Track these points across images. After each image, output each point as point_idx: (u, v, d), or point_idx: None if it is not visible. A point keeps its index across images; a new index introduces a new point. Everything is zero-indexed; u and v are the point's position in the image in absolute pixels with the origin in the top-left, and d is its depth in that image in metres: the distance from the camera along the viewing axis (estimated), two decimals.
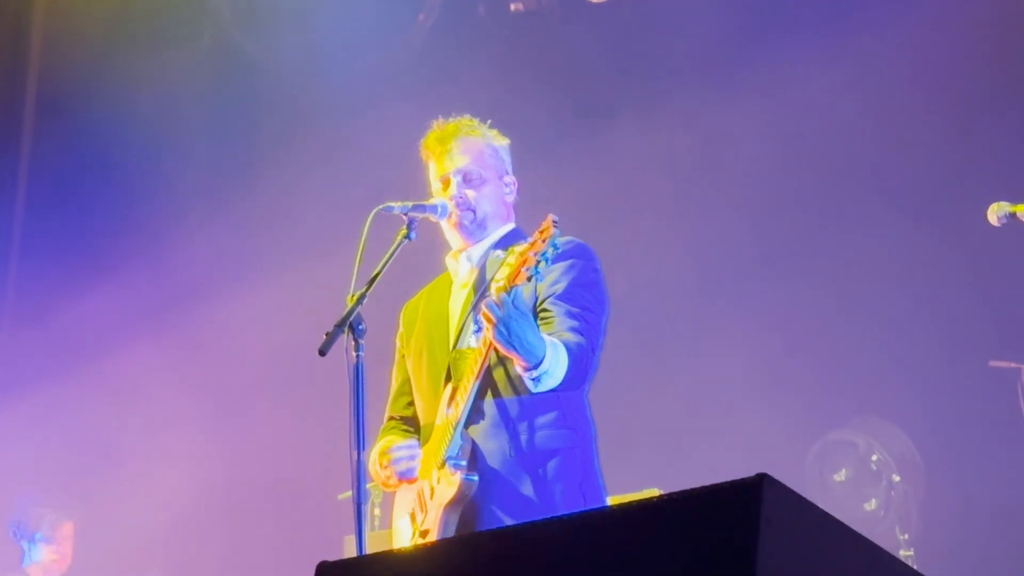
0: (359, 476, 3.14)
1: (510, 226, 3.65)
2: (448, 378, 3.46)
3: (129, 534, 6.92)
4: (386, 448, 3.51)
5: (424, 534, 3.36)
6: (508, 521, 3.25)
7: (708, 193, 6.99)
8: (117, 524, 6.85)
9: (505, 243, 3.50)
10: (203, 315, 7.16)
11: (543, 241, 3.01)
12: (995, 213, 4.22)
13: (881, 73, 6.70)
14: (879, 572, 2.06)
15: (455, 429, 3.32)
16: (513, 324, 3.06)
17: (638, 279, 6.41)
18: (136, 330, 7.18)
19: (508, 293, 3.07)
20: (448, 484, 3.31)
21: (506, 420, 3.34)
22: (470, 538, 2.86)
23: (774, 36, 6.91)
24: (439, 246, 3.74)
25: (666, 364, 6.78)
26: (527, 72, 7.17)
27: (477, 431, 3.35)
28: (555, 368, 3.18)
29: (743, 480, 1.86)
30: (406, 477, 3.46)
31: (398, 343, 3.77)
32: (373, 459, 3.54)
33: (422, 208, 3.53)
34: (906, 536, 6.04)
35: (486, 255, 3.57)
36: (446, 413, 3.40)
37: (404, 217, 3.48)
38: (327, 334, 3.21)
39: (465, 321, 3.48)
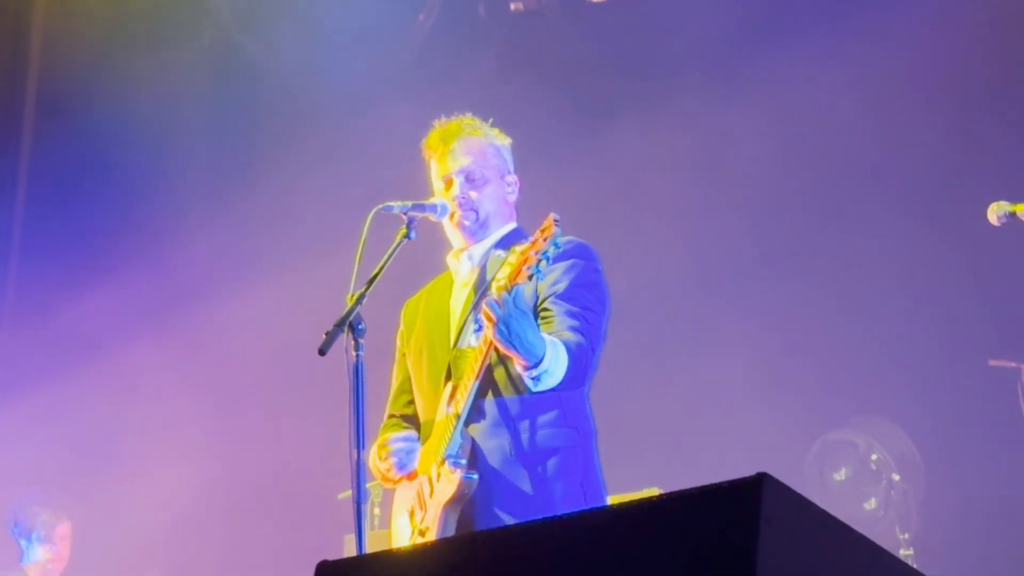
0: (359, 475, 3.14)
1: (512, 225, 3.65)
2: (448, 376, 3.46)
3: (129, 534, 6.92)
4: (384, 441, 3.52)
5: (423, 532, 3.36)
6: (508, 520, 3.25)
7: (708, 193, 6.99)
8: (117, 524, 6.85)
9: (506, 243, 3.50)
10: (203, 315, 7.16)
11: (544, 240, 3.02)
12: (995, 212, 4.22)
13: (881, 73, 6.70)
14: (879, 571, 2.06)
15: (455, 427, 3.32)
16: (513, 323, 3.07)
17: (638, 279, 6.41)
18: (136, 330, 7.18)
19: (509, 292, 3.07)
20: (448, 482, 3.31)
21: (506, 419, 3.34)
22: (470, 537, 2.86)
23: (774, 36, 6.91)
24: (439, 245, 3.74)
25: (666, 364, 6.78)
26: (527, 72, 7.17)
27: (477, 430, 3.36)
28: (555, 367, 3.18)
29: (743, 479, 1.86)
30: (405, 470, 3.46)
31: (398, 341, 3.77)
32: (372, 453, 3.55)
33: (422, 207, 3.54)
34: (906, 535, 6.04)
35: (487, 254, 3.57)
36: (446, 411, 3.40)
37: (404, 216, 3.48)
38: (327, 333, 3.21)
39: (466, 320, 3.48)
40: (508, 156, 3.72)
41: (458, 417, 3.32)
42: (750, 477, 1.85)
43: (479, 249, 3.59)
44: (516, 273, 3.06)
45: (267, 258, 7.39)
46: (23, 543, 6.06)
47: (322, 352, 3.21)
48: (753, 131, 6.82)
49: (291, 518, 6.99)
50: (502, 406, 3.35)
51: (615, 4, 7.33)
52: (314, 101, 7.59)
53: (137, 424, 7.20)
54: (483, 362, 3.28)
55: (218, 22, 7.82)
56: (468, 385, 3.31)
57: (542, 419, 3.34)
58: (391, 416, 3.71)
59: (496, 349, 3.19)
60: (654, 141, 6.85)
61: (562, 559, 2.03)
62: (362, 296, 3.31)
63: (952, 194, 6.40)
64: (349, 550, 5.05)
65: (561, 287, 3.39)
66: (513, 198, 3.70)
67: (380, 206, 3.47)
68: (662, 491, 4.26)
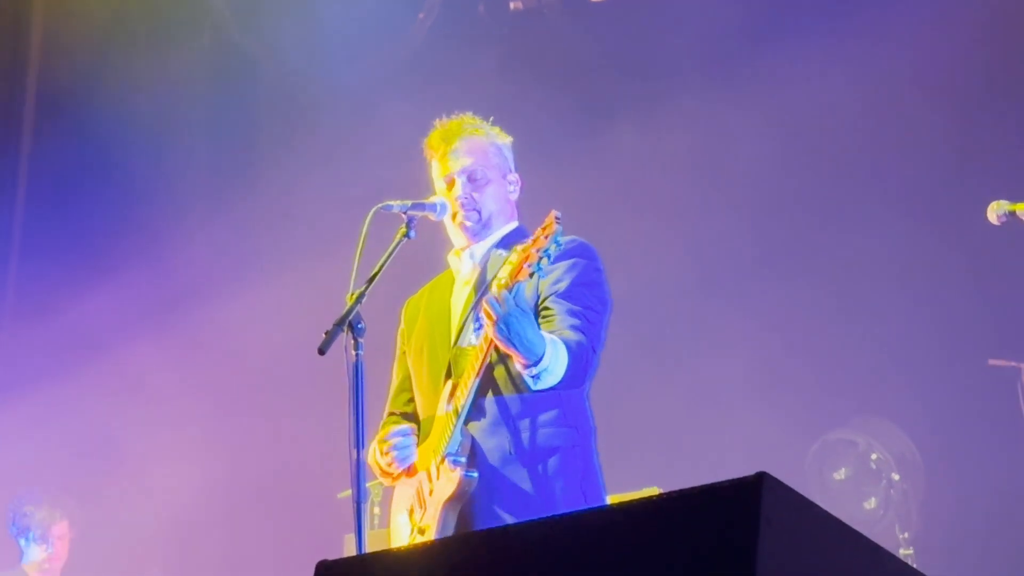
0: (359, 475, 3.14)
1: (513, 224, 3.65)
2: (449, 375, 3.46)
3: (129, 534, 6.92)
4: (382, 436, 3.53)
5: (423, 530, 3.37)
6: (508, 518, 3.26)
7: (708, 192, 6.99)
8: (117, 524, 6.85)
9: (508, 242, 3.51)
10: (203, 315, 7.16)
11: (546, 237, 3.03)
12: (995, 212, 4.22)
13: (881, 73, 6.69)
14: (879, 571, 2.06)
15: (455, 425, 3.33)
16: (513, 321, 3.08)
17: (638, 279, 6.40)
18: (136, 330, 7.18)
19: (510, 290, 3.08)
20: (448, 481, 3.32)
21: (506, 418, 3.34)
22: (470, 537, 2.86)
23: (774, 36, 6.90)
24: (439, 245, 3.74)
25: (666, 363, 6.78)
26: (527, 71, 7.17)
27: (477, 428, 3.36)
28: (554, 365, 3.19)
29: (743, 479, 1.86)
30: (405, 463, 3.46)
31: (399, 339, 3.78)
32: (372, 450, 3.55)
33: (421, 207, 3.54)
34: (906, 535, 6.04)
35: (488, 253, 3.58)
36: (446, 409, 3.40)
37: (403, 216, 3.49)
38: (326, 333, 3.21)
39: (466, 318, 3.49)
40: (509, 155, 3.73)
41: (458, 415, 3.33)
42: (750, 477, 1.85)
43: (481, 248, 3.60)
44: (517, 271, 3.07)
45: (267, 258, 7.39)
46: (22, 542, 6.07)
47: (322, 351, 3.21)
48: (753, 131, 6.82)
49: (291, 518, 6.98)
50: (502, 404, 3.35)
51: (615, 3, 7.33)
52: (314, 101, 7.59)
53: (137, 424, 7.20)
54: (483, 360, 3.28)
55: (218, 22, 7.82)
56: (468, 383, 3.31)
57: (542, 418, 3.35)
58: (391, 414, 3.71)
59: (496, 347, 3.20)
60: (654, 141, 6.85)
61: (562, 559, 2.03)
62: (361, 295, 3.31)
63: (952, 194, 6.40)
64: (349, 549, 5.05)
65: (562, 286, 3.40)
66: (515, 197, 3.71)
67: (380, 205, 3.48)
68: (662, 490, 4.26)
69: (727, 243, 6.96)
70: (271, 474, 7.01)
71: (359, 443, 3.16)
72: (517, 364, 3.20)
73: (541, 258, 3.03)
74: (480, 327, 3.34)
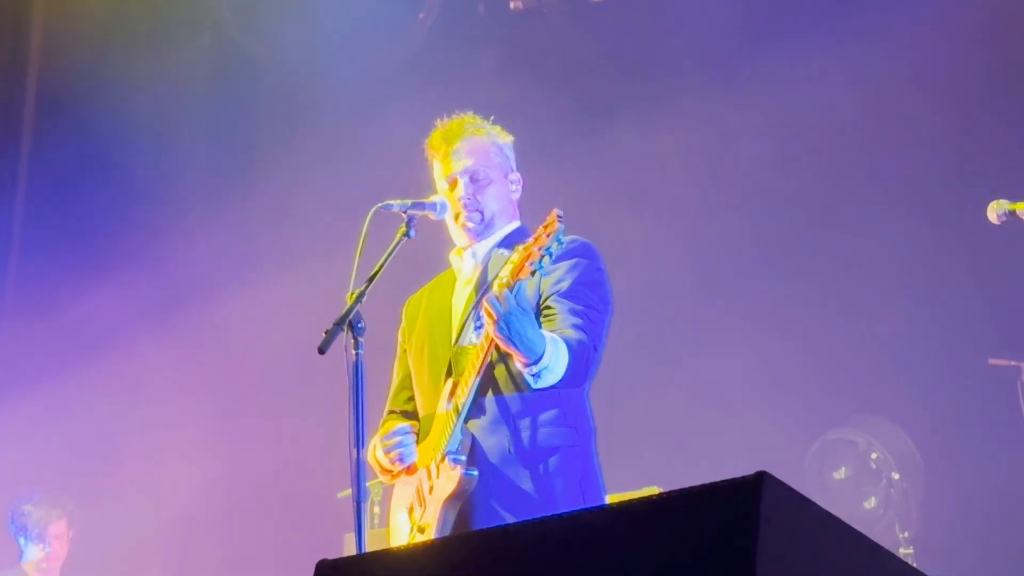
0: (359, 474, 3.14)
1: (515, 224, 3.66)
2: (449, 373, 3.47)
3: (129, 534, 6.92)
4: (382, 435, 3.54)
5: (422, 529, 3.37)
6: (507, 517, 3.26)
7: (708, 192, 6.99)
8: (117, 524, 6.85)
9: (510, 241, 3.51)
10: (203, 315, 7.16)
11: (548, 235, 3.04)
12: (995, 211, 4.22)
13: (881, 73, 6.69)
14: (879, 570, 2.06)
15: (455, 424, 3.33)
16: (513, 320, 3.08)
17: (638, 278, 6.40)
18: (136, 329, 7.18)
19: (511, 289, 3.08)
20: (448, 479, 3.32)
21: (506, 416, 3.35)
22: (469, 536, 2.86)
23: (775, 36, 6.90)
24: (439, 244, 3.74)
25: (666, 363, 6.77)
26: (527, 71, 7.16)
27: (477, 426, 3.37)
28: (555, 364, 3.19)
29: (743, 478, 1.86)
30: (406, 461, 3.46)
31: (400, 337, 3.78)
32: (372, 449, 3.55)
33: (421, 206, 3.54)
34: (906, 534, 6.04)
35: (490, 253, 3.58)
36: (446, 407, 3.41)
37: (403, 215, 3.49)
38: (326, 332, 3.21)
39: (467, 317, 3.49)
40: (511, 154, 3.73)
41: (459, 413, 3.33)
42: (750, 476, 1.85)
43: (483, 247, 3.61)
44: (519, 269, 3.08)
45: (267, 258, 7.39)
46: (20, 541, 6.08)
47: (322, 351, 3.21)
48: (753, 131, 6.81)
49: (291, 517, 6.98)
50: (502, 403, 3.36)
51: (615, 3, 7.32)
52: (314, 101, 7.59)
53: (137, 424, 7.20)
54: (484, 359, 3.29)
55: (218, 22, 7.82)
56: (469, 381, 3.32)
57: (542, 417, 3.35)
58: (391, 412, 3.72)
59: (497, 346, 3.20)
60: (654, 140, 6.84)
61: (561, 558, 2.03)
62: (362, 294, 3.31)
63: (952, 194, 6.40)
64: (349, 549, 5.05)
65: (564, 285, 3.40)
66: (517, 196, 3.71)
67: (379, 204, 3.48)
68: (661, 490, 4.26)
69: (727, 243, 6.96)
70: (271, 474, 7.01)
71: (359, 442, 3.16)
72: (517, 363, 3.20)
73: (543, 256, 3.04)
74: (481, 326, 3.34)
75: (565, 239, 3.07)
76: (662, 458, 6.37)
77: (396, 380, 3.77)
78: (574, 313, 3.34)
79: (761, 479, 1.83)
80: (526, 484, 3.30)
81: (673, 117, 6.86)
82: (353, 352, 3.25)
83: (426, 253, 3.77)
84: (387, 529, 3.67)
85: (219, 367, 7.15)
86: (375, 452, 3.55)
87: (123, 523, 6.90)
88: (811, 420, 6.54)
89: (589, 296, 3.41)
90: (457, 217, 3.59)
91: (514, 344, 3.11)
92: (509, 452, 3.33)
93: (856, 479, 6.48)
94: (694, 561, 1.86)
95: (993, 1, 6.71)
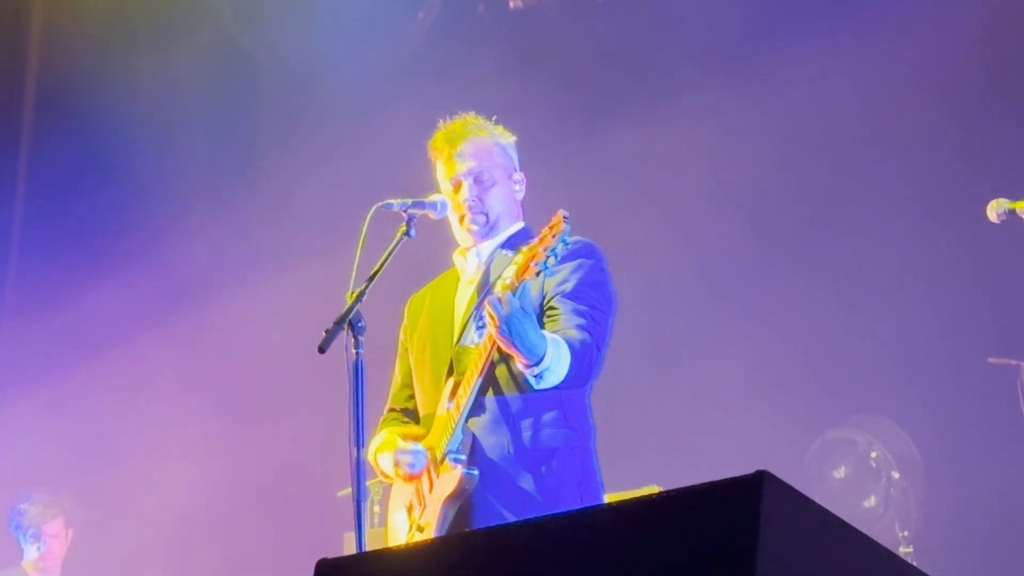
0: (359, 473, 3.14)
1: (519, 225, 3.66)
2: (450, 373, 3.47)
3: (129, 534, 6.92)
4: (390, 450, 3.50)
5: (422, 528, 3.37)
6: (507, 516, 3.26)
7: (709, 191, 6.99)
8: (117, 524, 6.85)
9: (513, 242, 3.51)
10: (203, 314, 7.16)
11: (553, 236, 3.03)
12: (995, 210, 4.22)
13: (881, 73, 6.69)
14: (879, 569, 2.06)
15: (456, 423, 3.33)
16: (515, 322, 3.08)
17: (638, 278, 6.39)
18: (136, 329, 7.18)
19: (515, 290, 3.09)
20: (448, 478, 3.33)
21: (507, 416, 3.35)
22: (469, 536, 2.86)
23: (776, 35, 6.90)
24: (439, 243, 3.74)
25: (666, 362, 6.78)
26: (527, 70, 7.16)
27: (477, 425, 3.37)
28: (556, 365, 3.19)
29: (743, 477, 1.86)
30: (415, 471, 3.45)
31: (402, 336, 3.78)
32: (373, 449, 3.55)
33: (421, 205, 3.54)
34: (905, 533, 6.04)
35: (494, 253, 3.58)
36: (447, 407, 3.41)
37: (403, 214, 3.49)
38: (327, 331, 3.21)
39: (469, 318, 3.49)
40: (514, 154, 3.73)
41: (460, 413, 3.33)
42: (750, 475, 1.85)
43: (487, 247, 3.61)
44: (523, 269, 3.08)
45: (267, 258, 7.39)
46: (20, 540, 6.09)
47: (322, 350, 3.21)
48: (753, 130, 6.81)
49: (291, 516, 6.99)
50: (503, 403, 3.36)
51: (615, 2, 7.32)
52: (314, 100, 7.59)
53: (137, 423, 7.20)
54: (486, 359, 3.29)
55: (218, 20, 7.81)
56: (471, 382, 3.32)
57: (543, 418, 3.36)
58: (391, 410, 3.72)
59: (499, 347, 3.20)
60: (654, 140, 6.84)
61: (561, 557, 2.02)
62: (362, 294, 3.31)
63: (952, 194, 6.39)
64: (349, 548, 5.05)
65: (568, 286, 3.40)
66: (520, 196, 3.71)
67: (380, 204, 3.48)
68: (661, 489, 4.26)
69: (728, 242, 6.96)
70: (271, 473, 7.00)
71: (359, 442, 3.16)
72: (519, 364, 3.20)
73: (548, 257, 3.04)
74: (483, 326, 3.34)
75: (571, 239, 3.07)
76: (662, 457, 6.36)
77: (397, 378, 3.76)
78: (578, 313, 3.34)
79: (761, 478, 1.83)
80: (525, 484, 3.30)
81: (674, 116, 6.85)
82: (353, 351, 3.24)
83: (426, 252, 3.77)
84: (385, 528, 3.67)
85: (219, 367, 7.15)
86: (377, 455, 3.54)
87: (123, 523, 6.90)
88: (811, 419, 6.54)
89: (593, 296, 3.41)
90: (462, 220, 3.59)
91: (515, 346, 3.11)
92: (509, 452, 3.33)
93: (856, 478, 6.48)
94: (694, 560, 1.86)
95: (993, 1, 6.71)
